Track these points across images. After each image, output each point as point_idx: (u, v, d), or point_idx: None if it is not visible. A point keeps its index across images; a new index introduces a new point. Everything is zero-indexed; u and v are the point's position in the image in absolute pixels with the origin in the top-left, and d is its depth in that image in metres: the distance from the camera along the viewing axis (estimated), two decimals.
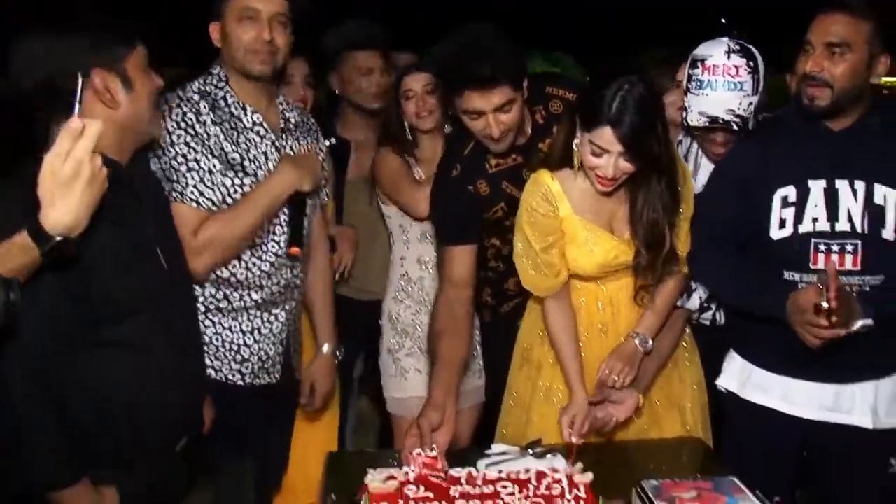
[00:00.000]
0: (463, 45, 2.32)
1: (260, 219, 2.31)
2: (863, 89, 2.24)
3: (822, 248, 2.24)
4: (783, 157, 2.31)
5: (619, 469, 2.19)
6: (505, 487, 1.85)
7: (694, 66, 2.44)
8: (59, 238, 1.50)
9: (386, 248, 3.18)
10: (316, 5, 2.84)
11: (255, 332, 2.41)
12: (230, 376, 2.39)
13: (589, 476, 1.89)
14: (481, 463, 2.12)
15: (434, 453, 2.00)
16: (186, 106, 2.27)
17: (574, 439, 2.20)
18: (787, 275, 2.28)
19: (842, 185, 2.24)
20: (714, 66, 2.39)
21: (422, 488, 1.85)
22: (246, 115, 2.35)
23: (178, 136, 2.22)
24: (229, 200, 2.29)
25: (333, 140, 3.25)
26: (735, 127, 2.40)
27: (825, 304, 2.07)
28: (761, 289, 2.31)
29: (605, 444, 2.32)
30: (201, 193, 2.24)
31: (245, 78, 2.35)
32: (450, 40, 2.37)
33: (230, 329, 2.38)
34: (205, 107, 2.29)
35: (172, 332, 1.98)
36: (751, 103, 2.39)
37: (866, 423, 2.29)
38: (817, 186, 2.26)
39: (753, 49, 2.42)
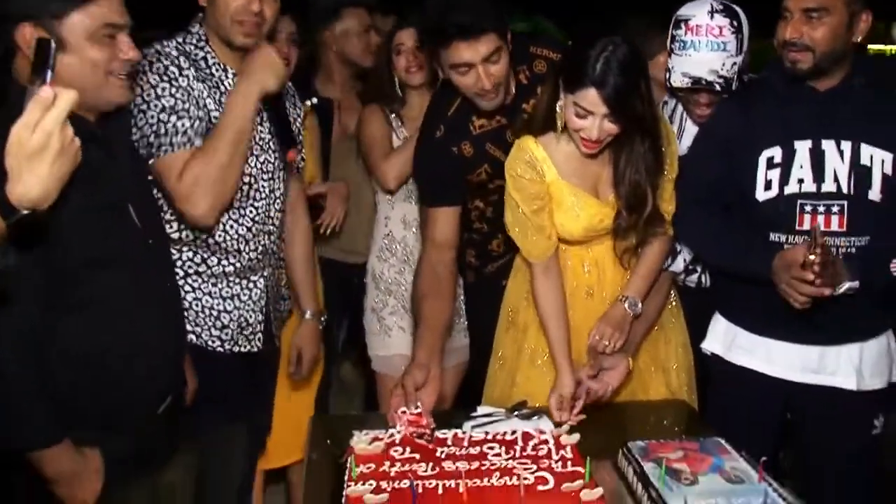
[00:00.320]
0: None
1: (238, 140, 2.23)
2: (845, 50, 2.25)
3: (808, 209, 2.26)
4: (768, 119, 2.32)
5: (605, 431, 2.20)
6: (491, 448, 1.87)
7: (677, 26, 2.44)
8: (25, 212, 1.45)
9: (373, 209, 3.19)
10: None
11: (235, 299, 2.40)
12: (210, 342, 2.39)
13: (575, 437, 1.91)
14: (467, 424, 2.13)
15: (419, 410, 2.01)
16: (167, 60, 2.23)
17: (566, 418, 2.20)
18: (772, 236, 2.29)
19: (828, 145, 2.26)
20: (697, 26, 2.39)
21: (408, 449, 1.86)
22: (227, 77, 2.32)
23: (163, 89, 2.18)
24: None
25: (315, 100, 3.25)
26: (718, 88, 2.41)
27: (811, 259, 2.09)
28: (747, 250, 2.32)
29: (591, 407, 2.34)
30: (189, 139, 2.19)
31: (227, 46, 2.32)
32: None
33: (210, 294, 2.37)
34: (185, 62, 2.26)
35: (150, 293, 1.97)
36: (734, 63, 2.39)
37: (850, 384, 2.32)
38: (803, 147, 2.27)
39: (737, 9, 2.42)
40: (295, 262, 2.69)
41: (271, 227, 2.46)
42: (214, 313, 2.38)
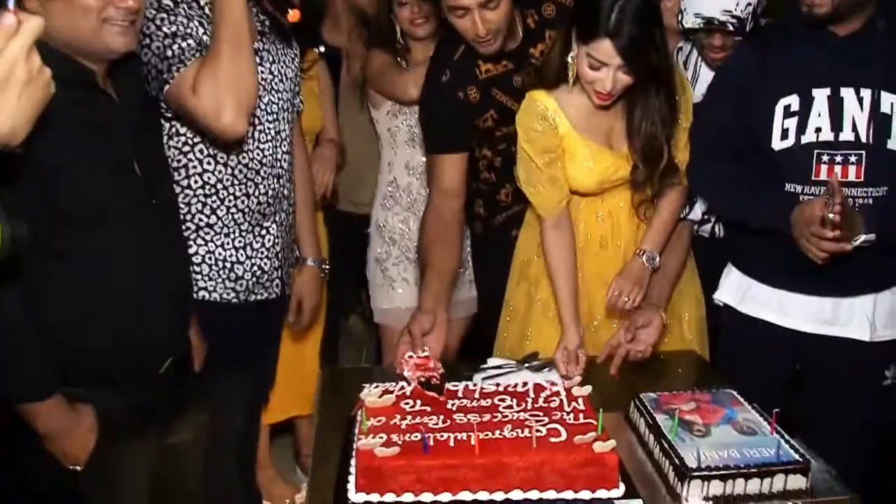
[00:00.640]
0: None
1: (238, 32, 2.13)
2: None
3: (826, 158, 2.24)
4: (785, 65, 2.29)
5: (617, 383, 2.23)
6: (503, 400, 1.88)
7: None
8: None
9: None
10: None
11: (248, 248, 2.41)
12: (224, 295, 2.39)
13: (587, 389, 1.92)
14: (478, 376, 2.16)
15: (426, 353, 2.02)
16: None
17: (573, 372, 2.20)
18: (788, 186, 2.28)
19: (847, 93, 2.23)
20: None
21: (418, 402, 1.87)
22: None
23: (162, 20, 2.13)
24: None
25: (322, 48, 3.23)
26: (731, 28, 2.38)
27: (831, 217, 2.08)
28: (762, 201, 2.31)
29: (596, 361, 2.36)
30: (197, 55, 2.14)
31: None
32: None
33: (222, 246, 2.37)
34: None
35: (152, 252, 1.97)
36: (749, 4, 2.36)
37: (863, 335, 2.32)
38: (821, 95, 2.24)
39: None
40: (296, 208, 2.68)
41: (280, 171, 2.45)
42: (228, 265, 2.38)
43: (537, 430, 1.71)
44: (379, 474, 1.63)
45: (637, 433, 1.90)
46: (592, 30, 2.07)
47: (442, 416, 1.80)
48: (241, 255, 2.40)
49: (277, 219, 2.47)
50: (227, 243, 2.38)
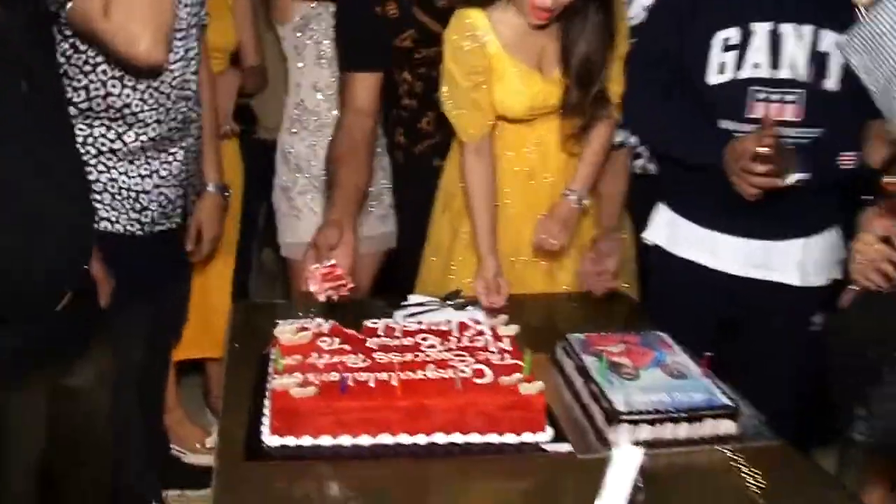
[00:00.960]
0: None
1: None
2: None
3: (761, 96, 2.23)
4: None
5: (544, 323, 2.23)
6: (425, 339, 1.85)
7: None
8: None
9: None
10: None
11: (154, 176, 2.32)
12: (129, 226, 2.31)
13: (514, 328, 1.90)
14: (399, 314, 2.13)
15: (332, 262, 1.97)
16: None
17: (496, 302, 2.21)
18: (722, 123, 2.27)
19: (787, 28, 2.22)
20: None
21: (336, 340, 1.83)
22: None
23: None
24: None
25: None
26: None
27: (762, 151, 2.09)
28: (696, 136, 2.30)
29: (528, 297, 2.34)
30: None
31: None
32: None
33: (127, 174, 2.27)
34: None
35: (44, 172, 1.84)
36: None
37: (793, 279, 2.35)
38: (762, 29, 2.22)
39: None
40: (202, 130, 2.59)
41: (189, 93, 2.37)
42: (133, 195, 2.29)
43: (461, 371, 1.69)
44: (295, 416, 1.59)
45: (564, 375, 1.89)
46: None
47: (362, 355, 1.76)
48: (148, 183, 2.30)
49: (184, 144, 2.38)
50: (132, 171, 2.28)
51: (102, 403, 2.12)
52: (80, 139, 2.20)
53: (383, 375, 1.67)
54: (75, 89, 2.16)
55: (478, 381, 1.67)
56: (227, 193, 2.71)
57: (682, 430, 1.65)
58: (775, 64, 2.22)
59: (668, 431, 1.64)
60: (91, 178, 2.22)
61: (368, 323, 1.92)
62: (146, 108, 2.25)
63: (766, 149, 2.09)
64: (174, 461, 3.15)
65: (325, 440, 1.60)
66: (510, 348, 1.81)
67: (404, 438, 1.61)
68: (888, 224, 2.08)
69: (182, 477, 3.08)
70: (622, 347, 1.87)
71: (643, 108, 2.37)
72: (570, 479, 1.56)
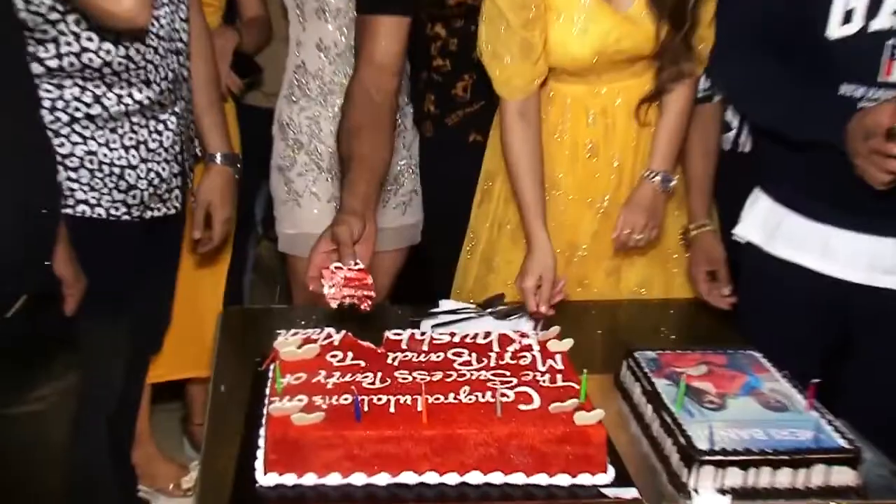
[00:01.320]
0: None
1: None
2: None
3: None
4: None
5: (604, 335, 2.24)
6: (459, 355, 1.86)
7: None
8: None
9: None
10: None
11: (142, 148, 2.34)
12: (113, 210, 2.33)
13: (568, 343, 1.90)
14: (427, 323, 2.14)
15: (361, 266, 1.96)
16: None
17: (542, 309, 2.22)
18: (845, 88, 2.22)
19: None
20: None
21: (350, 355, 1.84)
22: None
23: None
24: None
25: None
26: None
27: None
28: (809, 104, 2.26)
29: (584, 304, 2.34)
30: None
31: None
32: None
33: (108, 145, 2.29)
34: None
35: None
36: None
37: None
38: None
39: None
40: (196, 90, 2.63)
41: (179, 45, 2.39)
42: (117, 170, 2.31)
43: (503, 395, 1.69)
44: (297, 448, 1.60)
45: (630, 402, 1.89)
46: None
47: (380, 374, 1.77)
48: (134, 156, 2.33)
49: (177, 109, 2.42)
50: (114, 141, 2.29)
51: (57, 439, 2.13)
52: (46, 104, 2.21)
53: (406, 399, 1.68)
54: (40, 42, 2.17)
55: (523, 407, 1.67)
56: (239, 164, 2.75)
57: (784, 478, 1.63)
58: None
59: (764, 478, 1.62)
60: (63, 151, 2.24)
61: (389, 334, 1.93)
62: (131, 65, 2.27)
63: None
64: None
65: (334, 479, 1.60)
66: (562, 367, 1.81)
67: (431, 478, 1.61)
68: None
69: None
70: (704, 369, 1.87)
71: (739, 67, 2.36)
72: None
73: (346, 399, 1.66)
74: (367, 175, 2.24)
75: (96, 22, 2.17)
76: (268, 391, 1.76)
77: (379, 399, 1.67)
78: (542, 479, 1.61)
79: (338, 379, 1.75)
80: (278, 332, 1.92)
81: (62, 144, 2.24)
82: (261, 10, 3.24)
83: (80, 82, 2.24)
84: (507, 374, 1.78)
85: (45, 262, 2.00)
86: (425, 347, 1.89)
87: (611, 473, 1.63)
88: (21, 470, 2.05)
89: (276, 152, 3.10)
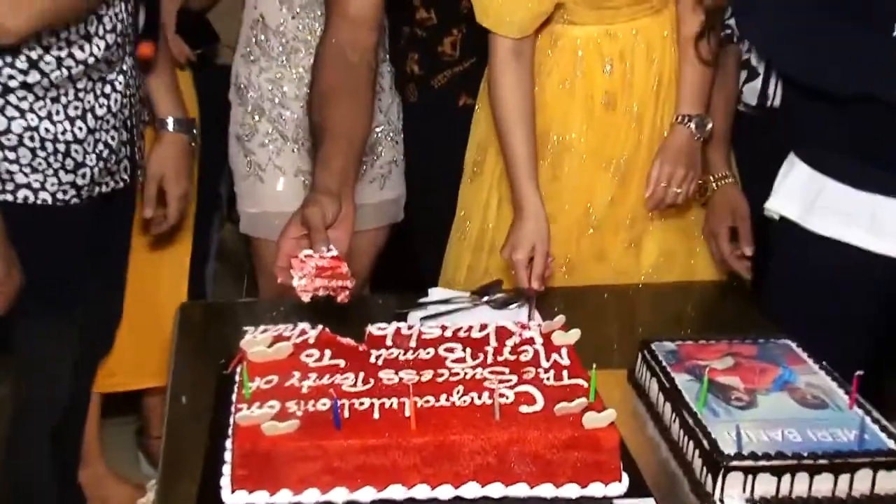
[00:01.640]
0: None
1: None
2: None
3: None
4: None
5: (615, 324, 2.26)
6: (451, 351, 1.87)
7: None
8: None
9: None
10: None
11: (89, 116, 2.34)
12: (60, 193, 2.33)
13: (575, 334, 1.91)
14: (414, 315, 2.16)
15: (334, 252, 1.95)
16: None
17: (535, 284, 2.23)
18: None
19: None
20: None
21: (327, 353, 1.86)
22: None
23: None
24: None
25: None
26: None
27: None
28: (855, 51, 2.25)
29: (592, 288, 2.37)
30: None
31: None
32: None
33: (50, 118, 2.29)
34: None
35: None
36: None
37: None
38: None
39: None
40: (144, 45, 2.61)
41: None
42: (62, 146, 2.31)
43: (501, 396, 1.70)
44: (268, 462, 1.61)
45: (647, 401, 1.91)
46: None
47: (362, 374, 1.78)
48: (80, 128, 2.33)
49: (124, 67, 2.41)
50: (58, 112, 2.30)
51: None
52: None
53: (392, 402, 1.69)
54: None
55: (524, 409, 1.68)
56: (195, 131, 2.77)
57: (823, 485, 1.63)
58: None
59: (800, 486, 1.63)
60: None
61: (372, 329, 1.95)
62: (72, 29, 2.26)
63: None
64: None
65: (312, 495, 1.61)
66: (569, 362, 1.82)
67: (422, 491, 1.62)
68: None
69: None
70: (730, 362, 1.88)
71: (770, 7, 2.35)
72: None
73: (323, 404, 1.67)
74: (343, 147, 2.23)
75: None
76: (234, 397, 1.76)
77: (361, 403, 1.68)
78: (547, 490, 1.63)
79: (314, 381, 1.76)
80: (245, 329, 1.92)
81: None
82: None
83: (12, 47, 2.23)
84: (507, 371, 1.79)
85: None
86: (413, 343, 1.90)
87: (625, 482, 1.64)
88: None
89: (233, 119, 3.11)
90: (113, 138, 2.42)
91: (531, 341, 1.90)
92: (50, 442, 2.57)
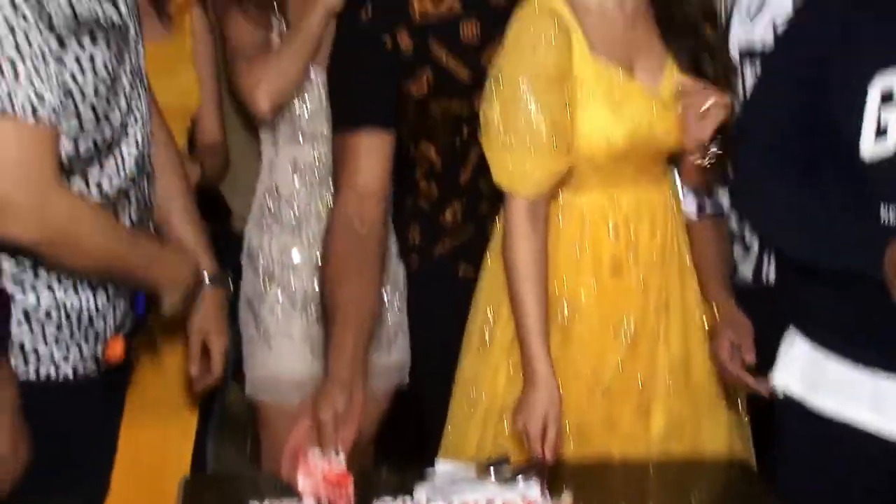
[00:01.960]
0: None
1: None
2: None
3: None
4: (883, 27, 2.26)
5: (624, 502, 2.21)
6: None
7: None
8: None
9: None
10: None
11: (109, 284, 2.29)
12: (81, 367, 2.28)
13: None
14: (420, 490, 2.12)
15: (342, 463, 1.97)
16: None
17: (549, 456, 2.21)
18: (884, 212, 2.23)
19: None
20: None
21: None
22: None
23: None
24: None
25: None
26: None
27: None
28: (843, 231, 2.27)
29: (601, 464, 2.34)
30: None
31: None
32: None
33: (75, 288, 2.25)
34: None
35: None
36: None
37: None
38: None
39: None
40: (170, 203, 2.59)
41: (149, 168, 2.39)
42: (87, 317, 2.27)
43: None
44: None
45: None
46: None
47: None
48: (101, 296, 2.28)
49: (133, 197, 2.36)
50: (82, 281, 2.25)
51: None
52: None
53: None
54: None
55: None
56: (229, 282, 2.74)
57: None
58: None
59: None
60: (26, 304, 2.18)
61: None
62: (101, 200, 2.23)
63: None
64: None
65: None
66: None
67: None
68: None
69: None
70: None
71: (765, 189, 2.38)
72: None
73: None
74: (353, 331, 2.27)
75: None
76: None
77: None
78: None
79: None
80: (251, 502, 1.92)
81: (24, 299, 2.19)
82: (220, 134, 3.27)
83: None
84: None
85: None
86: None
87: None
88: None
89: (244, 283, 3.15)
90: (123, 300, 2.36)
91: None
92: None
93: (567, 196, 2.41)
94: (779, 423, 2.51)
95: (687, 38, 2.40)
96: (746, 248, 2.68)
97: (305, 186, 3.06)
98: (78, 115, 2.11)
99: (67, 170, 2.14)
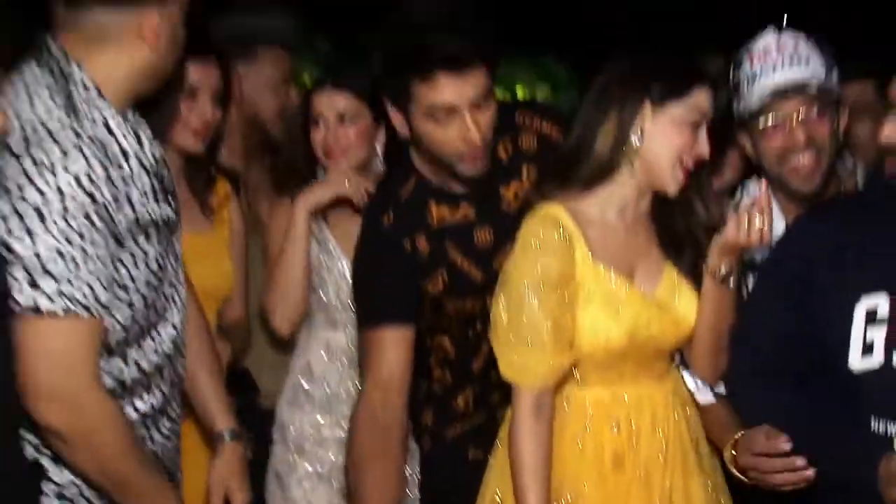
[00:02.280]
0: (421, 16, 2.45)
1: None
2: None
3: None
4: (868, 251, 2.29)
5: None
6: None
7: (739, 65, 2.62)
8: None
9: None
10: None
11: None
12: None
13: None
14: None
15: None
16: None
17: None
18: (875, 424, 2.23)
19: None
20: (766, 48, 2.58)
21: None
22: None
23: None
24: None
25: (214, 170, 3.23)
26: (815, 92, 2.53)
27: None
28: (837, 444, 2.27)
29: None
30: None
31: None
32: (395, 21, 2.51)
33: None
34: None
35: None
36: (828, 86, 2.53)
37: None
38: None
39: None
40: (195, 361, 2.58)
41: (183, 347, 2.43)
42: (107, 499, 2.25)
43: None
44: None
45: None
46: (687, 79, 2.30)
47: None
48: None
49: (171, 411, 2.41)
50: None
51: None
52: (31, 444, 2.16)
53: None
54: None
55: None
56: (247, 440, 2.72)
57: None
58: None
59: None
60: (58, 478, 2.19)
61: None
62: (138, 377, 2.26)
63: None
64: None
65: None
66: None
67: None
68: None
69: None
70: None
71: (758, 405, 2.40)
72: None
73: None
74: None
75: None
76: None
77: None
78: None
79: None
80: None
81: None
82: (243, 310, 3.29)
83: None
84: None
85: None
86: None
87: None
88: None
89: (274, 456, 3.18)
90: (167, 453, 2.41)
91: None
92: None
93: (572, 390, 2.44)
94: None
95: (687, 250, 2.45)
96: None
97: (337, 368, 3.11)
98: (130, 305, 2.17)
99: (110, 350, 2.18)
